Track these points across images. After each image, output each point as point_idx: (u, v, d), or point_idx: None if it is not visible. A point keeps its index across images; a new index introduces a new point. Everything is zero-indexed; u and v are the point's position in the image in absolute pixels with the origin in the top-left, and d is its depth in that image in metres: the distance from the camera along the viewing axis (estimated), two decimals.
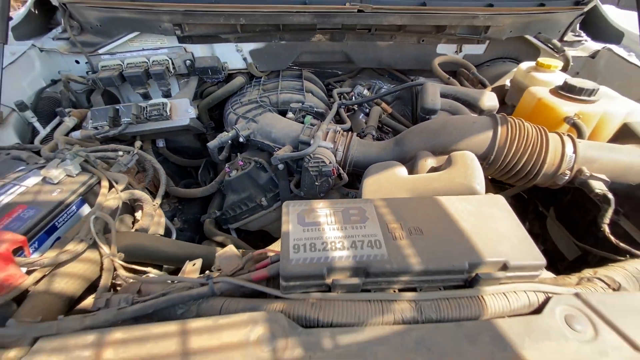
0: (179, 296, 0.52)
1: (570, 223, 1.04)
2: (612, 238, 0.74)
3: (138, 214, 0.91)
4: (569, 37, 1.45)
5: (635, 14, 1.34)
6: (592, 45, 1.44)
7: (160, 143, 1.36)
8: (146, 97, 1.29)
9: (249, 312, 0.47)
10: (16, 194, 0.75)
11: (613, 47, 1.39)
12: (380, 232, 0.53)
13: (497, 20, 1.20)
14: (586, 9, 1.37)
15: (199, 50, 1.27)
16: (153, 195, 1.01)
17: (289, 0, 1.08)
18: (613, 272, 0.59)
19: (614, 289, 0.56)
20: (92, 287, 0.71)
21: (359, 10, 1.08)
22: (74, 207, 0.78)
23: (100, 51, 1.24)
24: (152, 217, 0.89)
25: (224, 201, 1.24)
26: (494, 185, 1.11)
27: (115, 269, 0.68)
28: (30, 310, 0.59)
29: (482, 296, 0.49)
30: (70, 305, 0.64)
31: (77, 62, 1.29)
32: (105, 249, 0.69)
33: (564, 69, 1.38)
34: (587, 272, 0.59)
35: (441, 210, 0.57)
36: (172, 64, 1.26)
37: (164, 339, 0.44)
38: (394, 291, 0.51)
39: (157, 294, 0.54)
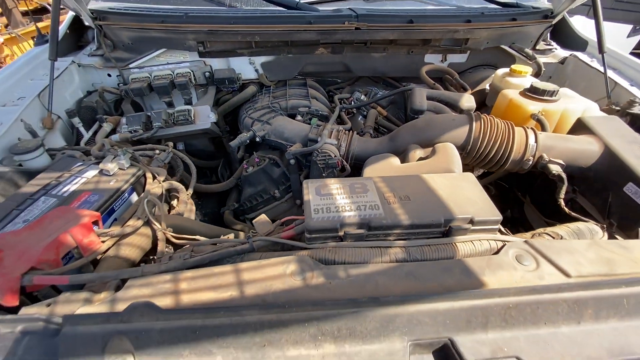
0: (227, 251, 0.69)
1: (541, 204, 1.21)
2: (565, 209, 0.92)
3: (173, 202, 1.08)
4: (541, 45, 1.65)
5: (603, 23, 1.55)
6: (561, 53, 1.63)
7: (180, 146, 1.53)
8: (170, 105, 1.47)
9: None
10: (80, 184, 0.92)
11: (579, 54, 1.59)
12: (378, 199, 0.70)
13: (475, 34, 1.39)
14: (554, 21, 1.57)
15: (217, 64, 1.45)
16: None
17: (297, 21, 1.27)
18: (558, 229, 0.76)
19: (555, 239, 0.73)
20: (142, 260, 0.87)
21: (356, 28, 1.27)
22: (126, 194, 0.94)
23: (130, 66, 1.42)
24: (186, 205, 1.06)
25: (240, 195, 1.40)
26: (478, 176, 1.29)
27: (167, 240, 0.84)
28: (104, 270, 0.75)
29: (454, 243, 0.66)
30: None
31: (109, 75, 1.46)
32: (157, 225, 0.86)
33: (537, 74, 1.57)
34: (540, 230, 0.77)
35: (424, 184, 0.74)
36: (194, 75, 1.44)
37: (222, 275, 0.61)
38: (390, 240, 0.67)
39: (209, 251, 0.70)
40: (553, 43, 1.68)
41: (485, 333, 0.56)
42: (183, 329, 0.53)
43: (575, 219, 0.89)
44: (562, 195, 0.93)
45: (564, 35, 1.71)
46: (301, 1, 1.38)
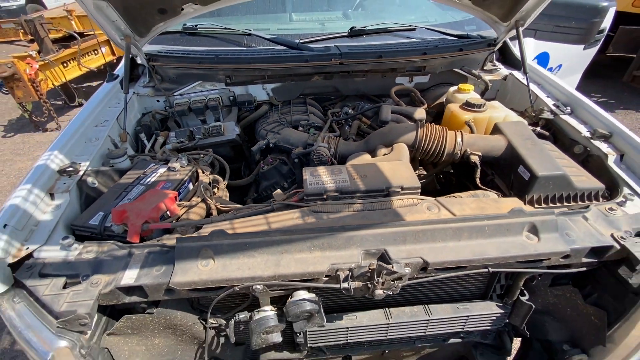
0: (256, 210, 1.15)
1: (474, 184, 1.66)
2: (478, 184, 1.37)
3: (215, 190, 1.54)
4: (488, 66, 2.11)
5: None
6: (504, 71, 2.09)
7: None
8: (204, 122, 1.95)
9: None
10: (156, 177, 1.39)
11: (515, 72, 2.04)
12: (348, 177, 1.16)
13: (430, 62, 1.86)
14: (496, 48, 2.03)
15: (238, 90, 1.94)
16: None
17: (297, 59, 1.75)
18: (462, 194, 1.21)
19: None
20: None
21: (340, 63, 1.75)
22: (186, 183, 1.41)
23: (175, 94, 1.91)
24: (224, 191, 1.53)
25: (258, 187, 1.87)
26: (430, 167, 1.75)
27: (217, 209, 1.31)
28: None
29: (391, 200, 1.11)
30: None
31: (157, 100, 1.96)
32: (210, 200, 1.32)
33: (485, 90, 2.04)
34: (451, 195, 1.22)
35: (377, 167, 1.20)
36: (221, 99, 1.93)
37: (257, 220, 1.07)
38: (354, 200, 1.13)
39: (246, 211, 1.17)
40: (497, 64, 2.14)
41: (404, 245, 1.01)
42: (238, 244, 0.99)
43: (482, 189, 1.34)
44: (477, 175, 1.39)
45: (505, 57, 2.17)
46: (300, 42, 1.87)
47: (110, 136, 1.57)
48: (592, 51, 3.47)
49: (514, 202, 1.15)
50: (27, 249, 1.03)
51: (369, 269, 0.92)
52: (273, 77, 1.86)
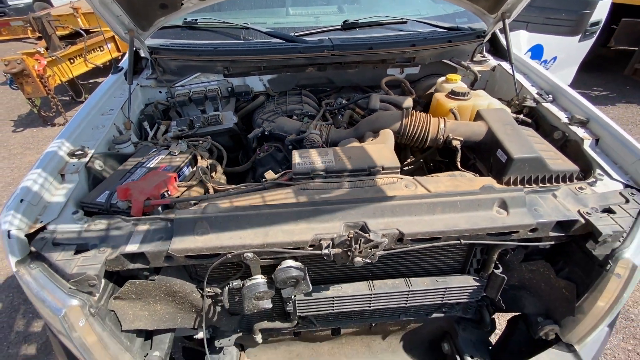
0: (251, 189, 1.25)
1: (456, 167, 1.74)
2: (459, 166, 1.45)
3: (212, 174, 1.64)
4: (477, 57, 2.18)
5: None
6: (493, 62, 2.16)
7: None
8: (204, 112, 2.05)
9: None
10: (157, 161, 1.49)
11: (503, 63, 2.11)
12: (333, 158, 1.25)
13: (419, 53, 1.94)
14: (484, 40, 2.10)
15: (236, 81, 2.03)
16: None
17: (291, 51, 1.84)
18: (440, 174, 1.30)
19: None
20: None
21: (332, 54, 1.83)
22: (186, 166, 1.51)
23: (176, 85, 2.01)
24: (221, 176, 1.63)
25: (255, 173, 1.96)
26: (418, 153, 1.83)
27: (214, 189, 1.41)
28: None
29: (374, 179, 1.20)
30: None
31: (160, 92, 2.06)
32: (207, 182, 1.42)
33: (475, 81, 2.11)
34: (430, 174, 1.30)
35: (362, 149, 1.29)
36: (220, 90, 2.02)
37: (250, 195, 1.17)
38: (339, 179, 1.23)
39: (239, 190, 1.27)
40: (487, 55, 2.20)
41: (383, 219, 1.10)
42: (231, 216, 1.09)
43: (461, 171, 1.42)
44: (458, 159, 1.47)
45: (496, 48, 2.24)
46: (295, 34, 1.96)
47: (115, 124, 1.68)
48: (588, 44, 3.50)
49: (487, 181, 1.24)
50: (41, 222, 1.14)
51: (348, 237, 1.01)
52: (269, 69, 1.95)
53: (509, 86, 1.99)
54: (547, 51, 3.19)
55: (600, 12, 3.21)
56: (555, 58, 3.35)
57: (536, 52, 3.10)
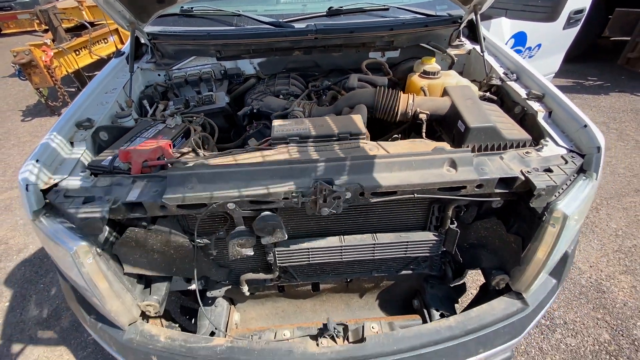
0: (235, 153, 1.43)
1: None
2: (424, 136, 1.62)
3: (205, 147, 1.82)
4: (455, 42, 2.32)
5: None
6: (468, 46, 2.30)
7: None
8: (199, 93, 2.23)
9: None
10: (155, 132, 1.67)
11: (477, 47, 2.25)
12: (308, 125, 1.42)
13: (397, 37, 2.09)
14: (460, 26, 2.24)
15: (228, 64, 2.20)
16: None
17: (278, 35, 2.00)
18: (403, 140, 1.46)
19: None
20: None
21: (315, 38, 1.99)
22: (180, 137, 1.69)
23: (173, 68, 2.19)
24: (213, 149, 1.81)
25: None
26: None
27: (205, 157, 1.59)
28: None
29: (342, 143, 1.37)
30: None
31: (159, 74, 2.24)
32: (199, 150, 1.60)
33: (452, 64, 2.26)
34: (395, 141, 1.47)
35: (333, 119, 1.46)
36: (214, 73, 2.20)
37: (232, 157, 1.35)
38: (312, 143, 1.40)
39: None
40: (464, 40, 2.35)
41: (347, 176, 1.27)
42: (216, 173, 1.26)
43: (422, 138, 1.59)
44: (423, 130, 1.63)
45: (473, 34, 2.38)
46: (282, 21, 2.12)
47: (118, 101, 1.86)
48: (572, 32, 3.61)
49: (441, 145, 1.40)
50: (54, 179, 1.33)
51: (314, 188, 1.19)
52: (257, 52, 2.11)
53: (482, 68, 2.14)
54: (530, 39, 3.30)
55: (583, 0, 3.32)
56: (539, 45, 3.46)
57: (519, 39, 3.22)
